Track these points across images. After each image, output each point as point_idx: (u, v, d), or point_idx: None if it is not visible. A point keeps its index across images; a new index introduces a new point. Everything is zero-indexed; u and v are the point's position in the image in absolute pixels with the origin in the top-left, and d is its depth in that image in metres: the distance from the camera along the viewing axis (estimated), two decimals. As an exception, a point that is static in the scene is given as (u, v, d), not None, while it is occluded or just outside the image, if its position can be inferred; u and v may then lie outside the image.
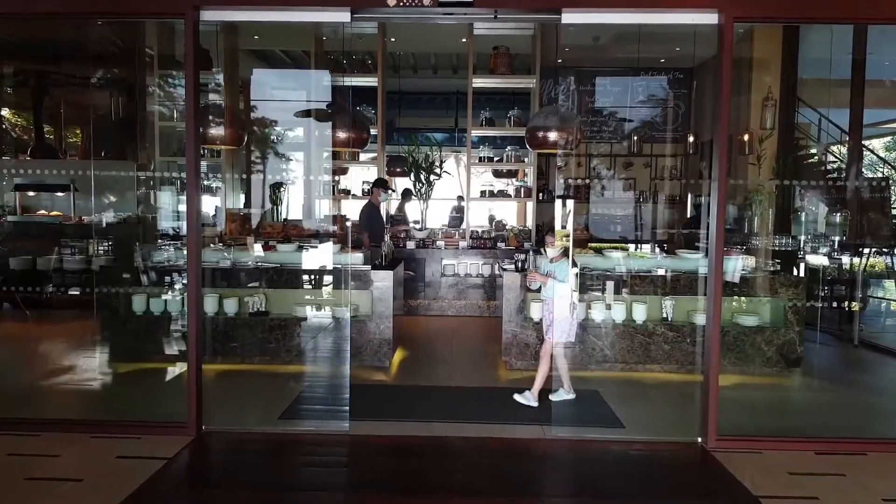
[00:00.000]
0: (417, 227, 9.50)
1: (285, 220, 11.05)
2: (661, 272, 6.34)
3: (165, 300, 6.45)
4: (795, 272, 8.07)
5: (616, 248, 7.26)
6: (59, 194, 10.08)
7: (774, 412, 5.56)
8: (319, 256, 6.60)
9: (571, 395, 5.40)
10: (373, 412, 5.04)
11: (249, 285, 6.47)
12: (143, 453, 4.31)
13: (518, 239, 9.12)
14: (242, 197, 10.25)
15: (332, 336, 6.34)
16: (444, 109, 15.21)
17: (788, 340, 6.24)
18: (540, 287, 5.43)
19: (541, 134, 6.50)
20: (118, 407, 5.39)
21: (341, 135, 6.53)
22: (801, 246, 8.37)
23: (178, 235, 9.60)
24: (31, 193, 10.17)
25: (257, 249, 6.69)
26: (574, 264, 5.20)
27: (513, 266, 6.42)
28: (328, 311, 6.46)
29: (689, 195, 11.11)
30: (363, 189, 9.93)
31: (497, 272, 6.92)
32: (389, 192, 7.54)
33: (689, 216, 10.84)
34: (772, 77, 9.93)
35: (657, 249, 6.79)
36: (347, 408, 4.82)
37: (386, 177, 8.93)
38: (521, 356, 6.27)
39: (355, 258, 6.56)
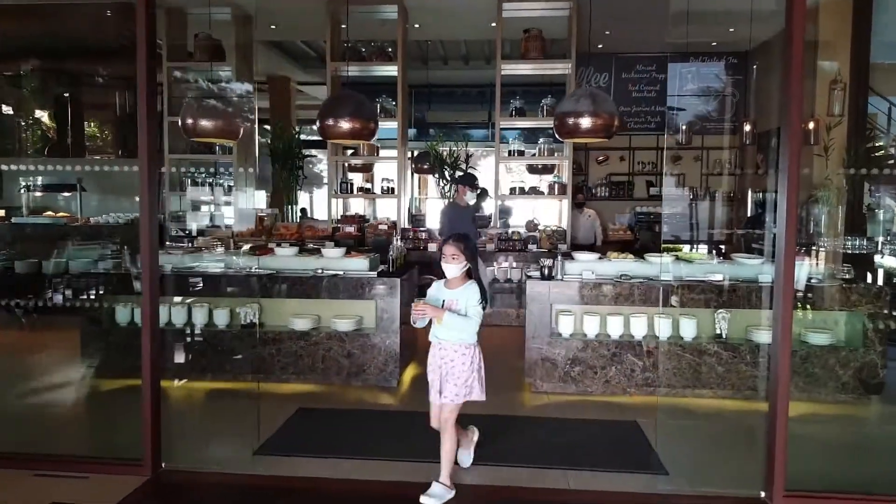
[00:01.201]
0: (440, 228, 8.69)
1: (305, 215, 10.36)
2: (714, 279, 5.40)
3: (169, 308, 5.78)
4: (871, 279, 6.99)
5: (679, 249, 6.33)
6: (66, 194, 9.62)
7: (853, 453, 4.57)
8: (320, 261, 5.86)
9: (450, 495, 3.56)
10: (369, 447, 4.26)
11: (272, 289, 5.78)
12: (83, 498, 3.62)
13: (551, 240, 8.24)
14: (256, 195, 9.59)
15: (332, 351, 5.58)
16: (478, 104, 14.38)
17: (868, 362, 5.24)
18: (430, 323, 3.66)
19: (571, 120, 5.61)
20: (81, 436, 4.75)
21: (344, 125, 5.75)
22: (878, 248, 7.28)
23: (189, 237, 9.04)
24: (38, 193, 9.74)
25: (245, 253, 6.00)
26: (483, 297, 3.60)
27: (538, 273, 5.56)
28: (327, 322, 5.71)
29: (749, 191, 10.02)
30: (382, 187, 9.18)
31: (522, 273, 6.11)
32: (478, 191, 6.54)
33: (749, 215, 9.77)
34: (840, 60, 8.82)
35: (714, 253, 5.82)
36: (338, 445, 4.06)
37: (475, 172, 8.24)
38: (548, 377, 5.41)
39: (359, 264, 5.80)
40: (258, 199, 13.90)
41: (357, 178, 10.08)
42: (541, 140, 8.75)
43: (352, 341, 5.56)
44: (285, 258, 5.97)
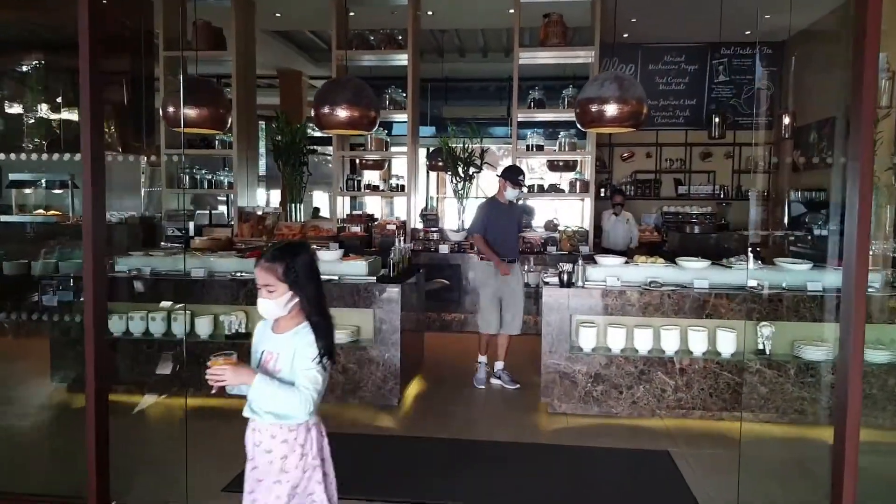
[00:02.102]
0: (454, 229, 8.10)
1: (316, 215, 9.80)
2: (756, 286, 4.74)
3: (128, 318, 5.27)
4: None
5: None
6: (58, 191, 9.17)
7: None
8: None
9: None
10: (364, 485, 3.66)
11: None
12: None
13: (572, 242, 7.60)
14: (265, 193, 9.02)
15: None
16: (497, 100, 13.73)
17: (937, 384, 4.55)
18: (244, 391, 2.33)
19: (595, 108, 4.99)
20: (32, 465, 4.22)
21: (341, 113, 5.19)
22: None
23: (185, 237, 8.54)
24: (27, 191, 9.30)
25: (227, 256, 5.45)
26: (326, 350, 2.27)
27: (556, 279, 4.94)
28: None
29: (789, 191, 9.26)
30: (391, 184, 8.60)
31: (539, 278, 5.50)
32: (523, 187, 5.63)
33: (788, 215, 9.03)
34: (889, 47, 8.08)
35: (751, 257, 5.16)
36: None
37: (521, 165, 6.88)
38: (567, 397, 4.79)
39: (356, 267, 5.22)
40: (271, 198, 13.46)
41: (373, 177, 9.51)
42: (561, 134, 8.10)
43: (347, 354, 4.99)
44: (276, 261, 5.40)
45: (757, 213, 10.63)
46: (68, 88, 10.73)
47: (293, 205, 8.79)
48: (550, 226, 8.10)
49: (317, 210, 12.57)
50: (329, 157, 13.05)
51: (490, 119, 13.40)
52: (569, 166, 9.30)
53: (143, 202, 10.27)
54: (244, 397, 2.37)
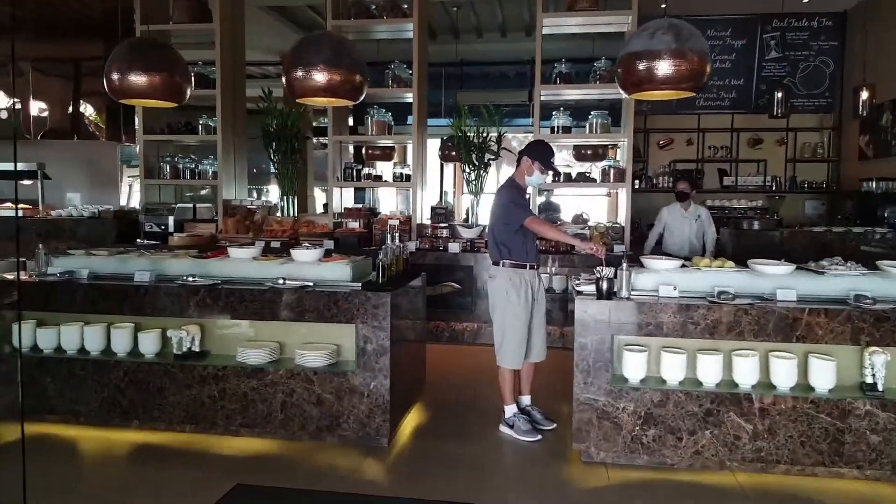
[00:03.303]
0: (466, 224, 6.98)
1: (330, 205, 8.66)
2: (861, 299, 3.57)
3: (82, 330, 4.24)
4: None
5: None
6: (26, 182, 8.21)
7: None
8: (285, 267, 4.22)
9: None
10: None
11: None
12: None
13: (605, 239, 6.43)
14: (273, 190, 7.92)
15: (296, 395, 3.93)
16: (517, 86, 12.55)
17: None
18: None
19: (642, 65, 3.85)
20: None
21: (318, 77, 4.09)
22: None
23: (161, 235, 7.52)
24: (-7, 181, 8.37)
25: (188, 258, 4.39)
26: None
27: (591, 287, 3.80)
28: (290, 353, 4.07)
29: (862, 181, 7.98)
30: (395, 174, 7.50)
31: (570, 286, 4.31)
32: (550, 172, 4.25)
33: (852, 209, 7.77)
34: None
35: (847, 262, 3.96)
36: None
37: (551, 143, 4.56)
38: (607, 443, 3.65)
39: (336, 271, 4.13)
40: (272, 193, 12.42)
41: (385, 169, 8.37)
42: (592, 114, 6.93)
43: (323, 382, 3.90)
44: (241, 263, 4.34)
45: (813, 208, 9.37)
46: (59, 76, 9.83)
47: (286, 198, 7.73)
48: (579, 221, 6.94)
49: (326, 207, 11.49)
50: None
51: (509, 106, 12.22)
52: (597, 154, 8.09)
53: (128, 194, 9.35)
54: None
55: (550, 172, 4.28)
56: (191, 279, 4.13)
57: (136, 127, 7.71)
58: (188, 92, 4.69)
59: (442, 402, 4.73)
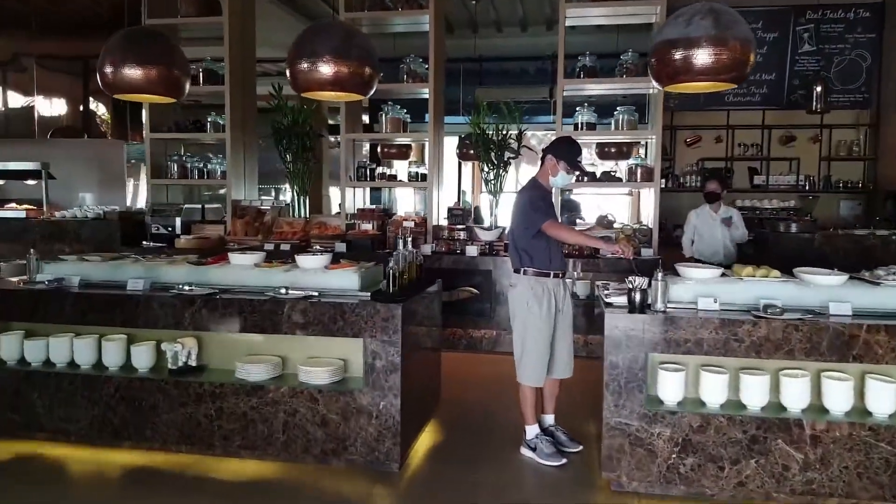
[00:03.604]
0: (485, 226, 6.64)
1: (344, 206, 8.34)
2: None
3: (72, 342, 3.97)
4: None
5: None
6: (30, 182, 8.00)
7: None
8: (289, 275, 3.91)
9: None
10: None
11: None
12: None
13: (632, 242, 6.05)
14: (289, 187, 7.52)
15: (299, 415, 3.62)
16: (539, 83, 12.16)
17: None
18: None
19: (678, 54, 3.50)
20: None
21: (324, 69, 3.78)
22: None
23: (168, 237, 7.27)
24: (-1, 181, 8.17)
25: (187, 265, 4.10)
26: None
27: (622, 299, 3.45)
28: (293, 369, 3.76)
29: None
30: (409, 173, 7.18)
31: (598, 294, 3.92)
32: (577, 171, 3.84)
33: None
34: None
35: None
36: None
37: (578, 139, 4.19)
38: (640, 472, 3.30)
39: (343, 279, 3.82)
40: (289, 193, 12.13)
41: (401, 169, 8.03)
42: (619, 110, 6.56)
43: (329, 401, 3.58)
44: (242, 270, 4.04)
45: (849, 210, 8.92)
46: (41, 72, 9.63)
47: (297, 198, 7.44)
48: (604, 223, 6.57)
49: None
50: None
51: (529, 102, 11.83)
52: (621, 152, 7.69)
53: (137, 195, 9.12)
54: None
55: (577, 172, 3.91)
56: (187, 288, 3.83)
57: (145, 123, 7.45)
58: (187, 86, 4.40)
59: (458, 420, 4.39)
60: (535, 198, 3.78)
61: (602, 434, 3.35)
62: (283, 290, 3.71)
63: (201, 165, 7.55)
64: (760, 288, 3.42)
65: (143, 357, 3.87)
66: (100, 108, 10.00)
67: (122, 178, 8.52)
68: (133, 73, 4.09)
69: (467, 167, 12.46)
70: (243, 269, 4.01)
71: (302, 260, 3.99)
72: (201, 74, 7.24)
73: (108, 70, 4.11)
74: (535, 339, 3.72)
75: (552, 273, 3.75)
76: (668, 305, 3.37)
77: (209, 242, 6.86)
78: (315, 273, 3.89)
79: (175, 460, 3.76)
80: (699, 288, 3.45)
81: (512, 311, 3.84)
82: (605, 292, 3.68)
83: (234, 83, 7.21)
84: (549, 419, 3.96)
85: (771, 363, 3.28)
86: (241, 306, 3.67)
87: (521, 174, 11.25)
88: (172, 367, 3.81)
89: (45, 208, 7.55)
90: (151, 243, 7.07)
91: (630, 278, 3.35)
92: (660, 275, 3.34)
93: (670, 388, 3.27)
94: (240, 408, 3.68)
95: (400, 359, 3.49)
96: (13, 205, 7.66)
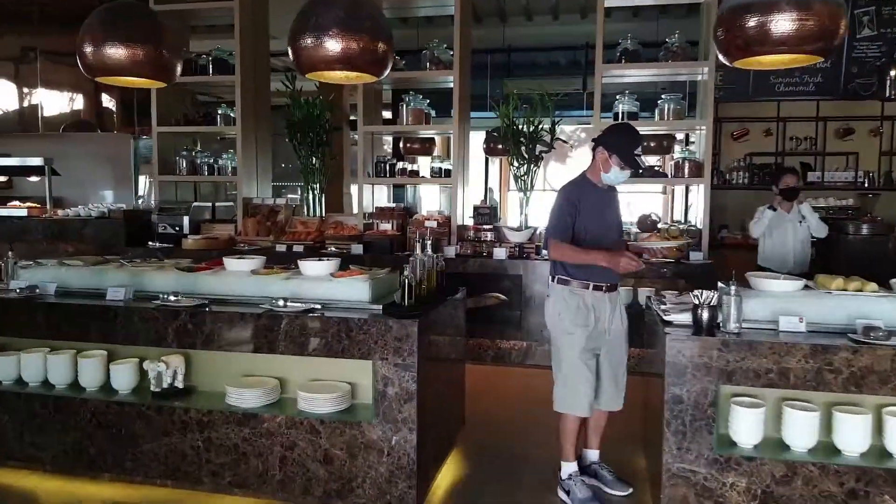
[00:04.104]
0: (514, 227, 6.06)
1: (361, 204, 7.84)
2: None
3: (45, 359, 3.49)
4: None
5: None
6: (33, 178, 7.59)
7: None
8: (290, 284, 3.38)
9: None
10: None
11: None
12: None
13: (680, 245, 5.42)
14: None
15: (297, 449, 3.09)
16: (571, 75, 11.50)
17: None
18: None
19: (753, 21, 2.89)
20: None
21: (331, 45, 3.24)
22: None
23: (175, 237, 6.81)
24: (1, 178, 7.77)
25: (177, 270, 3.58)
26: None
27: (684, 314, 2.85)
28: (292, 394, 3.22)
29: None
30: (432, 168, 6.63)
31: (651, 306, 3.28)
32: (632, 167, 3.16)
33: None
34: None
35: None
36: None
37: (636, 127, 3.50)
38: (707, 528, 2.70)
39: (351, 289, 3.28)
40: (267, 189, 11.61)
41: (424, 165, 7.45)
42: (664, 97, 5.93)
43: (332, 434, 3.04)
44: (236, 278, 3.51)
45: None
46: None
47: (312, 196, 6.94)
48: (647, 223, 5.95)
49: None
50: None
51: (558, 95, 11.18)
52: (661, 146, 7.03)
53: (144, 191, 8.70)
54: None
55: (632, 168, 3.13)
56: (172, 298, 3.31)
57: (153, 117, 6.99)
58: (178, 69, 3.89)
59: (485, 451, 3.81)
60: (563, 202, 3.17)
61: (661, 481, 2.76)
62: (280, 303, 3.17)
63: (211, 161, 7.07)
64: (856, 305, 2.80)
65: (123, 377, 3.36)
66: (113, 102, 9.64)
67: (130, 175, 8.09)
68: (116, 52, 3.59)
69: (493, 163, 11.87)
70: (238, 277, 3.49)
71: (305, 266, 3.45)
72: (210, 64, 6.77)
73: (88, 49, 3.62)
74: (568, 361, 3.13)
75: (592, 285, 3.13)
76: (742, 325, 2.76)
77: (218, 243, 6.39)
78: (319, 281, 3.35)
79: (159, 496, 3.26)
80: (780, 304, 2.84)
81: (547, 325, 3.27)
82: (662, 307, 3.08)
83: (245, 73, 6.72)
84: (593, 455, 3.37)
85: (870, 398, 2.66)
86: (231, 321, 3.15)
87: (548, 171, 10.64)
88: (155, 390, 3.30)
89: (48, 206, 7.13)
90: (158, 243, 6.63)
91: (696, 291, 2.75)
92: (732, 288, 2.73)
93: (746, 427, 2.67)
94: (230, 438, 3.16)
95: (416, 385, 2.93)
96: (16, 202, 7.26)
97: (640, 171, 3.17)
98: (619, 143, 3.11)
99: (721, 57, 3.19)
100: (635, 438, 3.73)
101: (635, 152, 3.10)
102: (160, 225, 6.88)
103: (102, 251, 6.45)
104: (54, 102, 9.86)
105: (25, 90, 9.67)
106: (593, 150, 3.20)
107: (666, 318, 2.92)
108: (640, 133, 3.24)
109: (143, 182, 8.61)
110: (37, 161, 7.09)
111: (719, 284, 2.83)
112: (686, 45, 5.88)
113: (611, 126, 3.38)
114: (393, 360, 2.95)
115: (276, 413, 3.12)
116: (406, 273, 3.15)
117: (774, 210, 5.12)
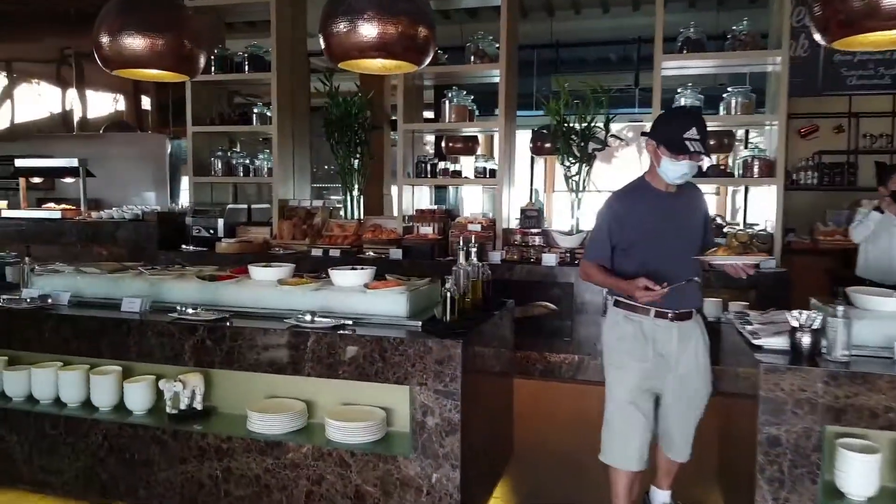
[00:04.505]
0: (564, 231, 5.63)
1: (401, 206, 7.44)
2: None
3: (56, 375, 3.23)
4: None
5: None
6: (68, 180, 7.46)
7: None
8: (318, 296, 3.03)
9: None
10: None
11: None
12: None
13: (750, 248, 4.91)
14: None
15: (325, 484, 2.73)
16: (621, 71, 10.99)
17: None
18: None
19: (860, -10, 2.44)
20: None
21: (366, 30, 2.89)
22: None
23: (209, 240, 6.57)
24: (36, 179, 7.65)
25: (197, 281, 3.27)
26: None
27: (778, 337, 2.40)
28: (319, 420, 2.87)
29: None
30: (476, 168, 6.25)
31: (736, 325, 2.77)
32: (700, 155, 2.56)
33: None
34: None
35: None
36: None
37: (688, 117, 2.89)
38: None
39: (386, 303, 2.91)
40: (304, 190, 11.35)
41: (467, 165, 7.05)
42: (731, 90, 5.42)
43: (364, 468, 2.68)
44: (261, 289, 3.18)
45: None
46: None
47: (350, 198, 6.63)
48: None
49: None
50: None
51: (608, 91, 10.66)
52: (722, 144, 6.49)
53: (180, 192, 8.53)
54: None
55: (688, 157, 2.54)
56: (190, 311, 3.00)
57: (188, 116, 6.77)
58: (202, 61, 3.58)
59: (537, 481, 3.40)
60: (604, 215, 2.72)
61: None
62: (307, 317, 2.82)
63: (247, 162, 6.82)
64: None
65: (137, 397, 3.07)
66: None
67: (165, 175, 7.91)
68: (134, 42, 3.30)
69: (539, 163, 11.40)
70: (263, 288, 3.16)
71: (336, 276, 3.10)
72: (246, 61, 6.52)
73: (104, 40, 3.33)
74: (616, 401, 2.67)
75: (654, 311, 2.61)
76: (852, 350, 2.30)
77: (252, 247, 6.14)
78: (352, 293, 3.00)
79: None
80: (893, 325, 2.37)
81: (602, 353, 2.83)
82: (748, 327, 2.63)
83: (282, 69, 6.44)
84: (662, 497, 2.91)
85: None
86: (253, 338, 2.81)
87: (593, 173, 10.15)
88: (172, 412, 2.99)
89: (82, 208, 6.97)
90: (192, 247, 6.40)
91: (796, 312, 2.30)
92: (840, 309, 2.27)
93: (858, 475, 2.21)
94: (252, 469, 2.82)
95: (459, 416, 2.55)
96: (51, 204, 7.13)
97: (701, 155, 2.60)
98: (667, 127, 2.63)
99: (817, 37, 2.72)
100: (707, 468, 3.27)
101: (685, 136, 2.51)
102: (194, 228, 6.65)
103: (135, 254, 6.27)
104: (96, 104, 9.80)
105: (68, 92, 9.63)
106: (646, 144, 2.73)
107: (755, 341, 2.47)
108: (716, 128, 2.78)
109: (186, 183, 8.45)
110: (69, 162, 6.93)
111: (812, 301, 2.37)
112: (756, 32, 5.37)
113: (665, 114, 2.92)
114: (433, 385, 2.57)
115: (302, 442, 2.77)
116: (449, 285, 2.77)
117: (882, 213, 4.50)
